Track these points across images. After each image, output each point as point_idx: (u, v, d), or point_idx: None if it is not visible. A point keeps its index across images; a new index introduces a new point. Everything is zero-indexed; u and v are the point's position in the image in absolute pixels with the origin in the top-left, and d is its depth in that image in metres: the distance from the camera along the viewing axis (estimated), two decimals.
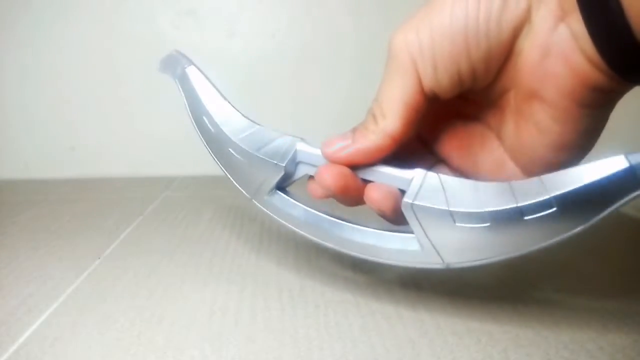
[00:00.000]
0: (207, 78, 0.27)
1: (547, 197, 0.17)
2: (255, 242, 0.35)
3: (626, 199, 0.16)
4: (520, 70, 0.19)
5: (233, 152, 0.25)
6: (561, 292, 0.27)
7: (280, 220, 0.25)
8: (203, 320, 0.24)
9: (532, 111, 0.19)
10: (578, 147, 0.19)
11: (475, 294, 0.27)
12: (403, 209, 0.20)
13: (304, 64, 0.56)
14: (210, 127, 0.26)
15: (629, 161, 0.16)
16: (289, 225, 0.25)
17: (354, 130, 0.22)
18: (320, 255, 0.31)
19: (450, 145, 0.24)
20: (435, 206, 0.19)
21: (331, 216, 0.24)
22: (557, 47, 0.18)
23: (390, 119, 0.21)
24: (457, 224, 0.19)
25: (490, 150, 0.22)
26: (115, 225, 0.39)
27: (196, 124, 0.27)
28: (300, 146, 0.24)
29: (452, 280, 0.28)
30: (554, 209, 0.17)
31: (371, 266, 0.29)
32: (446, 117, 0.24)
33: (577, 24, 0.17)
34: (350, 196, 0.22)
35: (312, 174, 0.24)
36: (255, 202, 0.26)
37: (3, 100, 0.56)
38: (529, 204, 0.17)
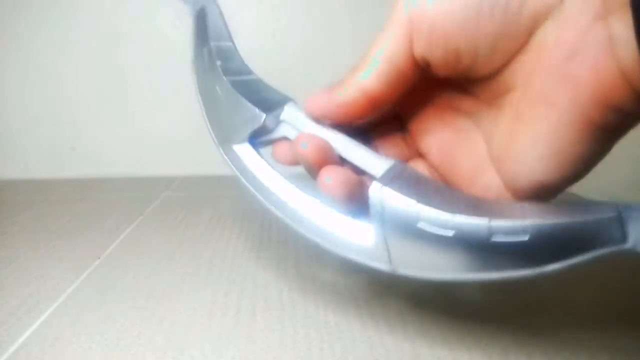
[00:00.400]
0: (224, 20, 0.26)
1: (522, 222, 0.15)
2: (255, 242, 0.35)
3: (606, 250, 0.14)
4: (534, 68, 0.17)
5: (219, 89, 0.24)
6: (561, 292, 0.27)
7: (239, 175, 0.23)
8: (203, 320, 0.24)
9: (534, 118, 0.17)
10: (567, 172, 0.17)
11: (475, 294, 0.27)
12: (370, 193, 0.18)
13: (304, 64, 0.56)
14: (207, 60, 0.25)
15: (619, 212, 0.14)
16: (247, 185, 0.23)
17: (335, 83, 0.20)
18: (321, 256, 0.31)
19: (432, 139, 0.22)
20: (404, 196, 0.17)
21: (294, 185, 0.22)
22: (589, 49, 0.15)
23: (366, 72, 0.19)
24: (419, 225, 0.17)
25: (474, 152, 0.20)
26: (115, 225, 0.39)
27: (194, 54, 0.26)
28: (290, 106, 0.22)
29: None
30: (526, 237, 0.15)
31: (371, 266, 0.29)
32: (435, 108, 0.22)
33: (620, 25, 0.14)
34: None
35: (291, 138, 0.22)
36: (221, 151, 0.24)
37: (3, 100, 0.56)
38: (501, 225, 0.16)
